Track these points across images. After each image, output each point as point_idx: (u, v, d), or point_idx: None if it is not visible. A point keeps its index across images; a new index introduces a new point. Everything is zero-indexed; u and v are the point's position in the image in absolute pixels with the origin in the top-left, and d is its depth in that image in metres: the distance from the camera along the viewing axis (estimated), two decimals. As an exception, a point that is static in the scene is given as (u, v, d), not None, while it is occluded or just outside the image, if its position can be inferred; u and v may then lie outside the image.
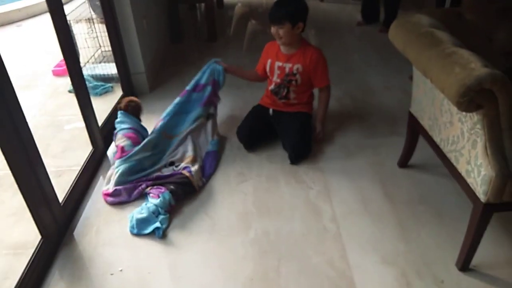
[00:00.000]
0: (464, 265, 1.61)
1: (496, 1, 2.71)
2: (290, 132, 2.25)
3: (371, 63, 3.28)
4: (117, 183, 2.01)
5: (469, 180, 1.52)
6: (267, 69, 2.35)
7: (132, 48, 2.74)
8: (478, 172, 1.44)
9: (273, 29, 2.17)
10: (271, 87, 2.36)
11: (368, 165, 2.17)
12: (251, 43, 3.81)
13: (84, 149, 2.25)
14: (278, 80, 2.31)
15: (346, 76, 3.06)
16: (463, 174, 1.55)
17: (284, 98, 2.35)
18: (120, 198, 1.98)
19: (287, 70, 2.26)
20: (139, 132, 2.30)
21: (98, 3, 3.38)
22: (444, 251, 1.67)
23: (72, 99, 2.91)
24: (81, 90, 2.15)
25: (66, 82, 3.12)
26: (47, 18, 4.79)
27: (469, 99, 1.28)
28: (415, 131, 1.96)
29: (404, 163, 2.12)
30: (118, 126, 2.30)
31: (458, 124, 1.52)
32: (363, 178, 2.08)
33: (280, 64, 2.28)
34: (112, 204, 1.98)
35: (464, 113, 1.43)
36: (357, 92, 2.86)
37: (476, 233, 1.54)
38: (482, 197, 1.45)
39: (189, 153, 2.18)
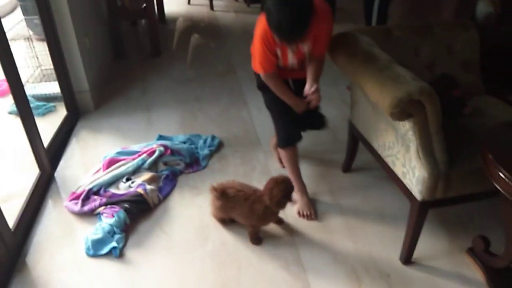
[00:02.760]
0: (407, 259, 1.77)
1: (419, 19, 2.99)
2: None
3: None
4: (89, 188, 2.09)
5: (406, 181, 1.68)
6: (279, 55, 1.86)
7: (75, 66, 2.70)
8: (413, 173, 1.61)
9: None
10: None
11: (315, 169, 2.30)
12: (196, 56, 3.86)
13: (30, 172, 2.18)
14: (295, 63, 1.92)
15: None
16: (400, 176, 1.72)
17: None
18: (73, 208, 2.00)
19: (303, 49, 1.86)
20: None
21: (36, 21, 3.29)
22: (389, 248, 1.83)
23: (13, 120, 2.82)
24: (25, 111, 2.09)
25: (5, 103, 3.00)
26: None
27: (401, 110, 1.44)
28: (355, 138, 2.12)
29: (347, 168, 2.28)
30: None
31: (393, 131, 1.68)
32: (311, 183, 2.19)
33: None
34: (67, 209, 2.03)
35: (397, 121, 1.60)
36: (301, 103, 3.01)
37: (415, 229, 1.70)
38: (418, 196, 1.62)
39: (147, 172, 2.19)
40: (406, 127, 1.57)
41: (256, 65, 1.88)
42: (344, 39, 1.86)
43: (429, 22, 2.06)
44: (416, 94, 1.42)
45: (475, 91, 2.05)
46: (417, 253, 1.75)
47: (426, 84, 1.46)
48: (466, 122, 1.81)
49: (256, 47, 1.82)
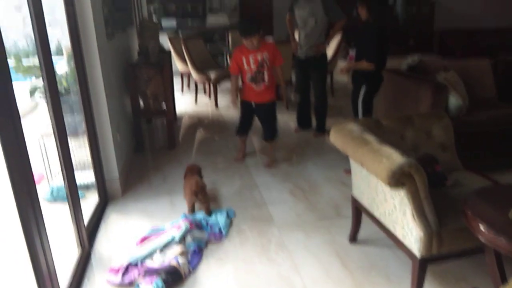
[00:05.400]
0: (413, 314, 2.02)
1: (400, 112, 3.51)
2: (269, 120, 3.74)
3: (310, 161, 3.88)
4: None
5: (406, 242, 2.00)
6: (244, 62, 3.47)
7: (108, 157, 3.09)
8: (411, 234, 1.94)
9: (248, 41, 3.37)
10: (249, 76, 3.51)
11: (324, 242, 2.59)
12: (206, 147, 4.30)
13: (70, 249, 2.44)
14: (254, 68, 3.47)
15: (293, 172, 3.61)
16: (401, 238, 2.04)
17: (262, 81, 3.51)
18: (114, 281, 2.23)
19: (259, 58, 3.45)
20: None
21: (69, 120, 3.76)
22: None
23: (49, 206, 3.12)
24: (74, 196, 2.43)
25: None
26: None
27: (396, 180, 1.82)
28: (358, 210, 2.47)
29: (353, 238, 2.58)
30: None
31: (391, 200, 2.04)
32: (323, 253, 2.48)
33: (253, 54, 3.44)
34: (109, 282, 2.25)
35: (393, 190, 1.96)
36: (305, 185, 3.38)
37: (418, 284, 1.98)
38: (417, 253, 1.93)
39: (177, 245, 2.46)
40: (401, 195, 1.94)
41: (230, 69, 3.67)
42: (342, 128, 2.30)
43: (410, 114, 2.55)
44: (406, 167, 1.82)
45: (454, 168, 2.47)
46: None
47: (413, 160, 1.87)
48: (449, 192, 2.20)
49: (231, 61, 3.60)
